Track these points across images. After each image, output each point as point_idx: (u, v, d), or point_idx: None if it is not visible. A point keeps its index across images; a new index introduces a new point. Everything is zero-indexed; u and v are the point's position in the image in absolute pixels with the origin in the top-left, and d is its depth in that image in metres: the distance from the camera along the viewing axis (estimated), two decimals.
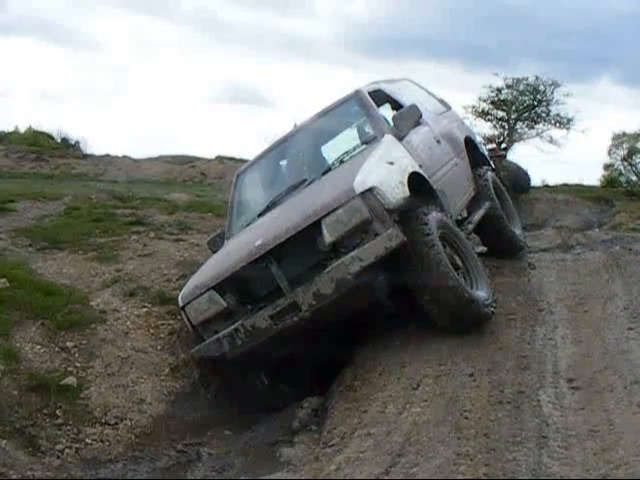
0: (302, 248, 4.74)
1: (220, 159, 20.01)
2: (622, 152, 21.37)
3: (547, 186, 20.01)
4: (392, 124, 5.72)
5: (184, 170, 19.30)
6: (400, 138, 5.55)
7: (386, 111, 6.32)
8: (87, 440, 4.52)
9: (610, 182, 21.05)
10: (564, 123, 21.26)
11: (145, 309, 5.99)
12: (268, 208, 5.67)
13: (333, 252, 4.68)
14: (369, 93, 6.11)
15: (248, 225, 5.76)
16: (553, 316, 5.38)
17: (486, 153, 8.43)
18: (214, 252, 5.95)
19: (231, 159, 19.48)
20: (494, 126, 21.79)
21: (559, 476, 3.18)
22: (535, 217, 14.93)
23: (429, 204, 5.06)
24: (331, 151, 6.08)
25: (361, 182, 4.67)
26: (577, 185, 20.26)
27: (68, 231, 7.83)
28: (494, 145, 19.75)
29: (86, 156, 20.18)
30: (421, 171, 5.29)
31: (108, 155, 20.21)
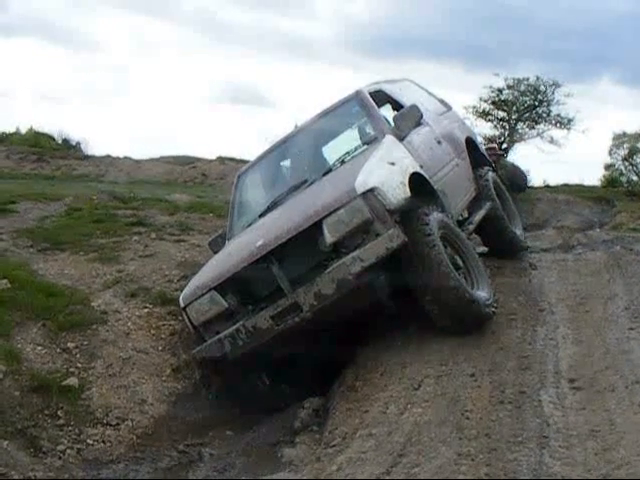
0: (303, 248, 4.74)
1: (221, 160, 20.04)
2: (623, 152, 21.42)
3: (548, 186, 20.04)
4: (393, 124, 5.72)
5: (185, 171, 19.33)
6: (401, 138, 5.55)
7: (387, 111, 6.32)
8: (88, 441, 4.53)
9: (611, 182, 21.08)
10: (565, 123, 21.32)
11: (146, 310, 6.00)
12: (269, 209, 5.67)
13: (334, 252, 4.68)
14: (370, 93, 6.11)
15: (249, 226, 5.76)
16: (554, 316, 5.38)
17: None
18: (215, 253, 5.96)
19: (232, 160, 19.50)
20: (495, 126, 21.88)
21: (560, 476, 3.18)
22: (536, 217, 14.92)
23: (430, 204, 5.06)
24: (332, 151, 6.08)
25: (362, 182, 4.68)
26: (578, 185, 20.27)
27: (69, 232, 7.83)
28: (493, 144, 19.74)
29: (87, 157, 20.24)
30: (422, 171, 5.29)
31: (109, 156, 20.25)
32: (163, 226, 8.37)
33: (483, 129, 21.40)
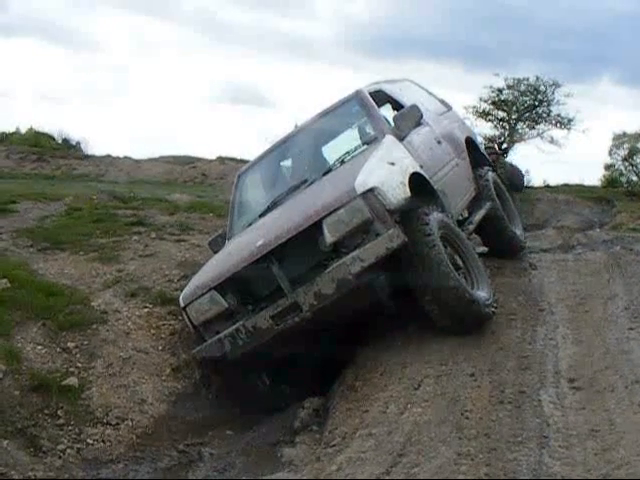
0: (303, 248, 4.74)
1: (221, 160, 20.05)
2: (623, 152, 21.43)
3: (548, 186, 20.06)
4: (393, 124, 5.72)
5: (185, 171, 19.34)
6: (401, 138, 5.55)
7: (387, 111, 6.33)
8: (88, 440, 4.52)
9: (611, 182, 21.09)
10: (565, 123, 21.28)
11: (146, 309, 6.00)
12: (269, 208, 5.67)
13: (334, 252, 4.68)
14: (370, 93, 6.11)
15: (249, 225, 5.76)
16: (554, 316, 5.38)
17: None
18: (215, 252, 5.96)
19: (232, 159, 19.50)
20: (495, 126, 21.83)
21: (560, 476, 3.18)
22: (536, 217, 14.93)
23: (430, 204, 5.06)
24: (332, 151, 6.08)
25: (362, 182, 4.68)
26: (578, 185, 20.29)
27: (69, 232, 7.83)
28: (492, 144, 19.75)
29: (87, 157, 20.25)
30: (422, 171, 5.29)
31: (109, 156, 20.26)
32: (163, 226, 8.37)
33: (483, 129, 21.40)
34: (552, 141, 21.37)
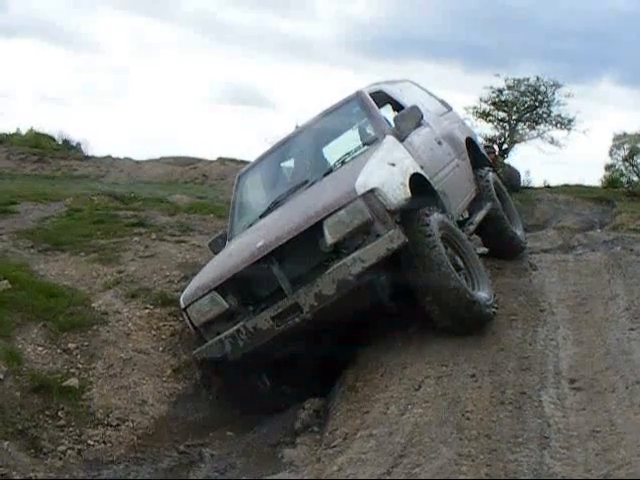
0: (304, 249, 4.75)
1: (221, 160, 20.01)
2: (623, 152, 21.42)
3: (548, 187, 20.02)
4: (393, 125, 5.72)
5: (185, 171, 19.31)
6: (401, 139, 5.55)
7: (387, 112, 6.33)
8: (89, 441, 4.52)
9: (611, 182, 21.06)
10: (565, 124, 21.28)
11: (147, 310, 6.00)
12: (270, 209, 5.67)
13: (335, 253, 4.68)
14: (370, 94, 6.12)
15: (250, 226, 5.76)
16: (554, 317, 5.39)
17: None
18: (216, 253, 5.96)
19: (232, 160, 19.48)
20: (495, 127, 21.83)
21: (561, 476, 3.19)
22: (536, 218, 14.93)
23: (430, 205, 5.06)
24: (332, 152, 6.08)
25: (363, 183, 4.68)
26: (578, 186, 20.25)
27: (70, 233, 7.83)
28: (491, 144, 19.75)
29: (87, 158, 20.21)
30: (422, 172, 5.29)
31: (109, 157, 20.23)
32: (164, 227, 8.37)
33: (483, 130, 21.40)
34: (552, 141, 21.40)
